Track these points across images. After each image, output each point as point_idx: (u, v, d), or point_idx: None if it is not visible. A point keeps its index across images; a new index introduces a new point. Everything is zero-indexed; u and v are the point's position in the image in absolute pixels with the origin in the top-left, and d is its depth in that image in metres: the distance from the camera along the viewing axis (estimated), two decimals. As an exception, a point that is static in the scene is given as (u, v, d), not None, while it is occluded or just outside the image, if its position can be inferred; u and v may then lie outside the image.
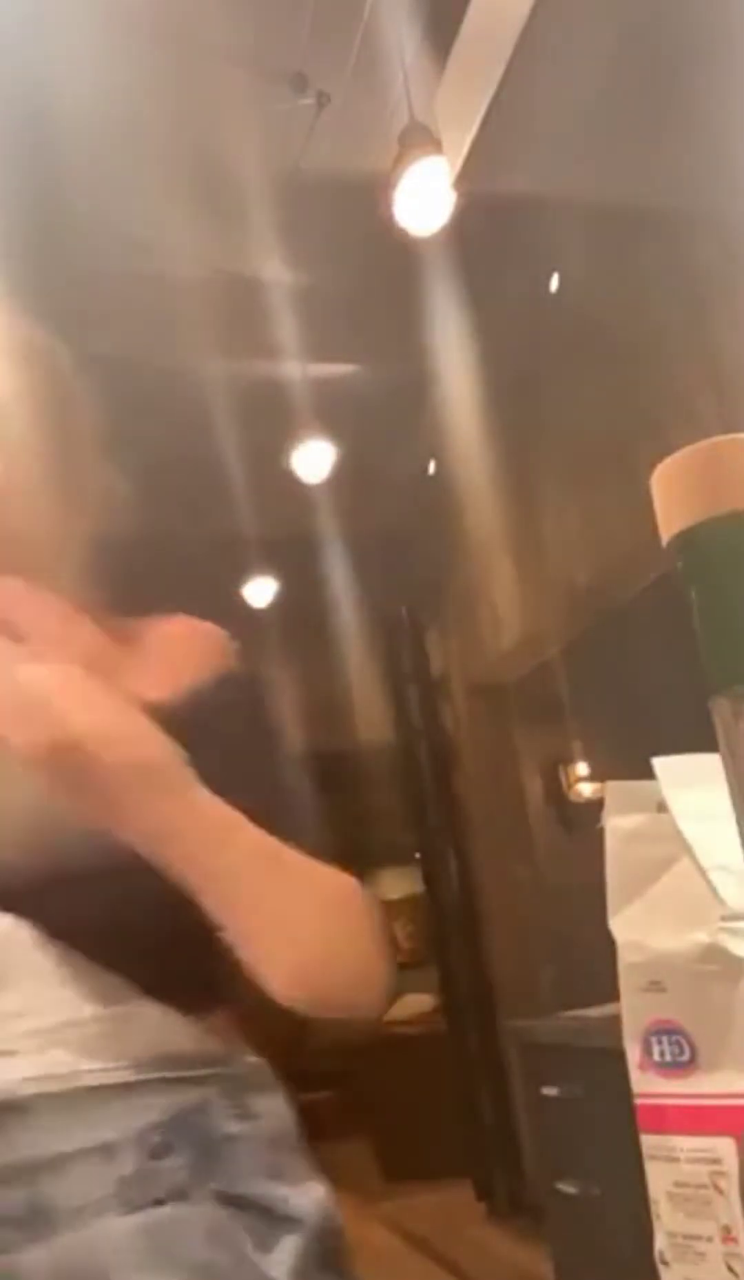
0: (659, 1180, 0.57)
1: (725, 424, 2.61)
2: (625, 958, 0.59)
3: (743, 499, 0.42)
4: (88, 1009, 0.79)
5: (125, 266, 2.84)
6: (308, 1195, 0.80)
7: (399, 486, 4.55)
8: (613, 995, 0.60)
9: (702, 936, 0.56)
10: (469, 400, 3.69)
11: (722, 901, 0.56)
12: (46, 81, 2.56)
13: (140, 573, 1.10)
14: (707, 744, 0.44)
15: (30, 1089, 0.76)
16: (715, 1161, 0.54)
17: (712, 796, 0.45)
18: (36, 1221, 0.73)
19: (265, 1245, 0.76)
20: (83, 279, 2.79)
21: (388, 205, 2.57)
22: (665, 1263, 0.56)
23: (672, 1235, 0.56)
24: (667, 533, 0.44)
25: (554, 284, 3.35)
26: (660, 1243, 0.56)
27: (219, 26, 2.65)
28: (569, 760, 4.75)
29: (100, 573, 0.97)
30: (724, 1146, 0.54)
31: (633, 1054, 0.58)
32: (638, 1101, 0.58)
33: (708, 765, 0.44)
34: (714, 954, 0.55)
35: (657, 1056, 0.57)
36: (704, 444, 0.43)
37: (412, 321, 3.26)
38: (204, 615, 1.03)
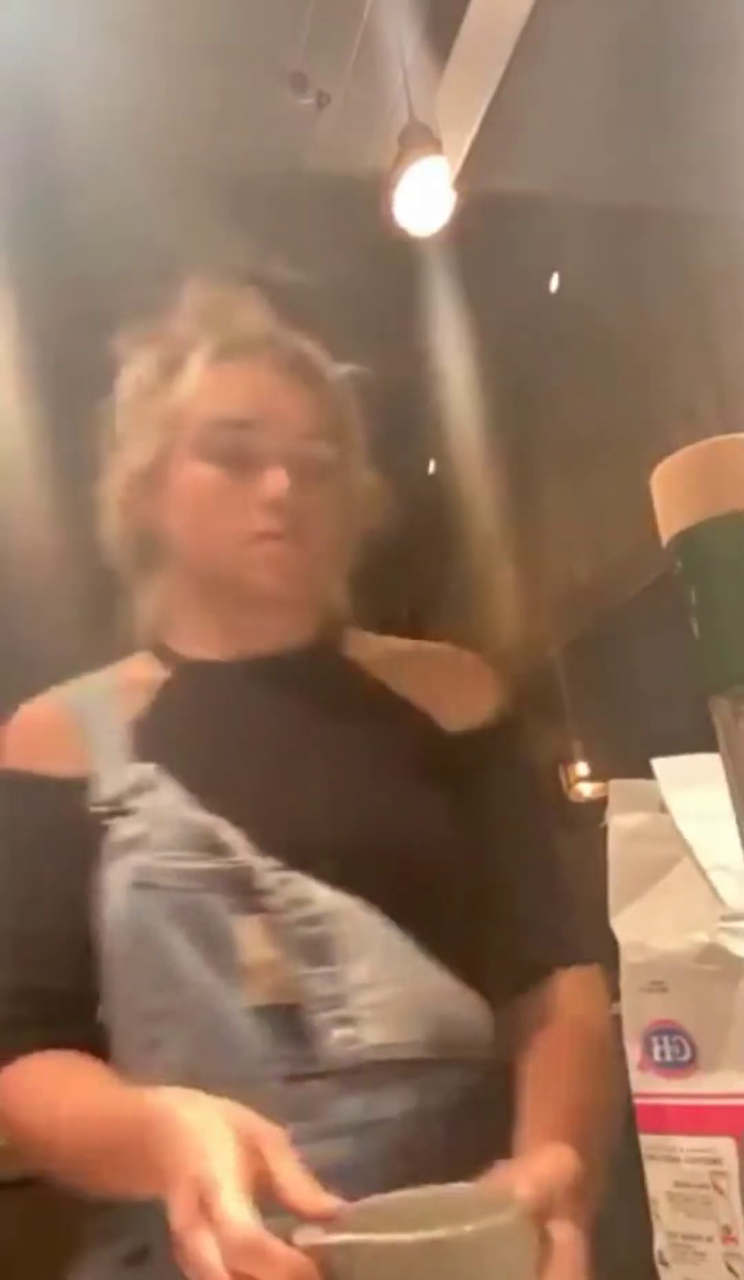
0: (659, 1180, 0.57)
1: (725, 424, 2.61)
2: (627, 958, 0.59)
3: (743, 499, 0.42)
4: (416, 986, 0.86)
5: (125, 267, 2.84)
6: None
7: (399, 486, 4.55)
8: (613, 995, 0.60)
9: (702, 936, 0.56)
10: (469, 400, 3.69)
11: (722, 901, 0.56)
12: (45, 82, 2.56)
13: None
14: (707, 744, 0.44)
15: (371, 1055, 0.82)
16: (715, 1161, 0.54)
17: (712, 796, 0.45)
18: (358, 1177, 0.78)
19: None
20: (83, 280, 2.79)
21: (388, 205, 2.57)
22: (665, 1263, 0.56)
23: (672, 1235, 0.56)
24: (667, 533, 0.44)
25: (554, 284, 3.35)
26: (660, 1243, 0.56)
27: (219, 26, 2.65)
28: (569, 760, 4.74)
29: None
30: (724, 1146, 0.54)
31: (633, 1054, 0.58)
32: (637, 1101, 0.58)
33: (708, 765, 0.44)
34: (714, 954, 0.55)
35: (657, 1056, 0.57)
36: (704, 444, 0.43)
37: (412, 321, 3.26)
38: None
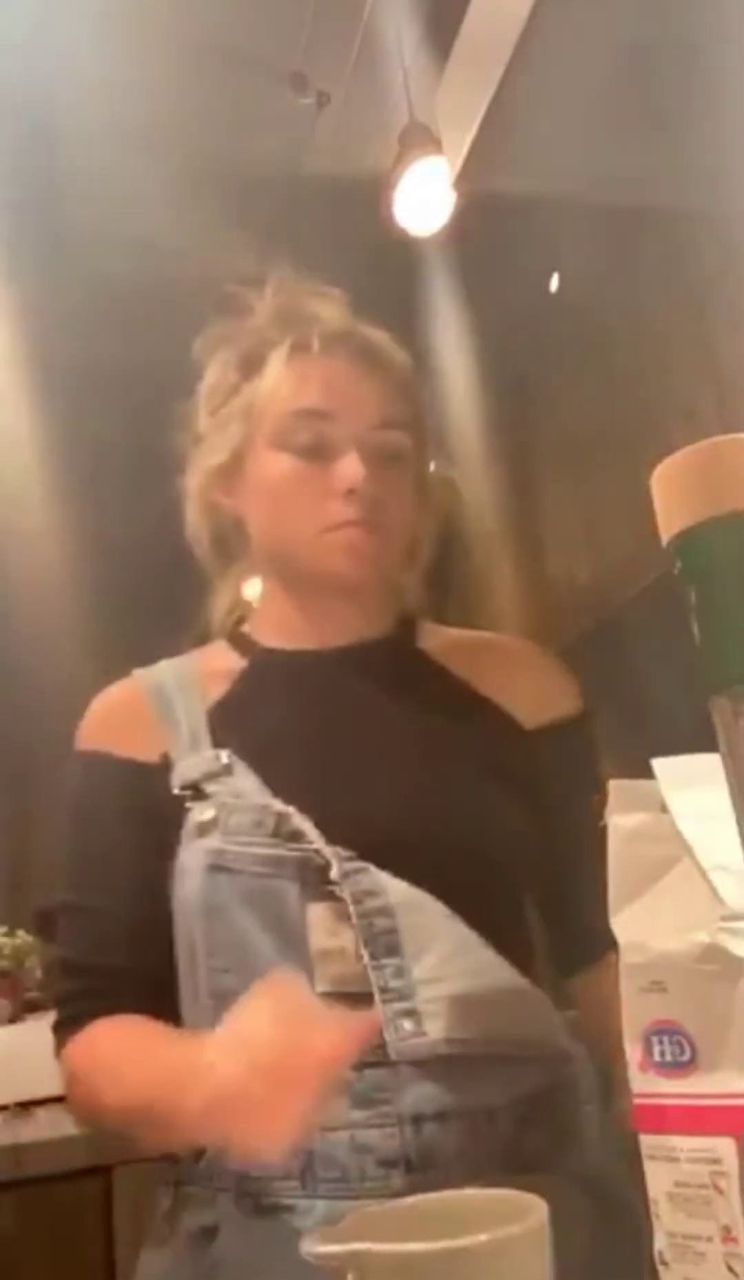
0: (659, 1180, 0.57)
1: (725, 424, 2.61)
2: (626, 958, 0.59)
3: (743, 499, 0.42)
4: (482, 981, 0.87)
5: (126, 267, 2.84)
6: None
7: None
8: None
9: (702, 936, 0.56)
10: (469, 400, 3.69)
11: (722, 901, 0.55)
12: (45, 82, 2.56)
13: (143, 574, 1.12)
14: (707, 744, 0.44)
15: (435, 1049, 0.83)
16: (715, 1161, 0.54)
17: (712, 796, 0.45)
18: (419, 1167, 0.81)
19: (611, 1226, 0.80)
20: (83, 280, 2.78)
21: (388, 205, 2.57)
22: (665, 1263, 0.56)
23: (672, 1235, 0.56)
24: (667, 533, 0.44)
25: (554, 284, 3.35)
26: (660, 1243, 0.56)
27: (219, 26, 2.65)
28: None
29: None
30: (724, 1146, 0.54)
31: (633, 1054, 0.58)
32: (637, 1101, 0.58)
33: (708, 765, 0.44)
34: (714, 954, 0.55)
35: (657, 1056, 0.57)
36: (704, 444, 0.43)
37: (412, 322, 3.25)
38: (205, 615, 1.08)
